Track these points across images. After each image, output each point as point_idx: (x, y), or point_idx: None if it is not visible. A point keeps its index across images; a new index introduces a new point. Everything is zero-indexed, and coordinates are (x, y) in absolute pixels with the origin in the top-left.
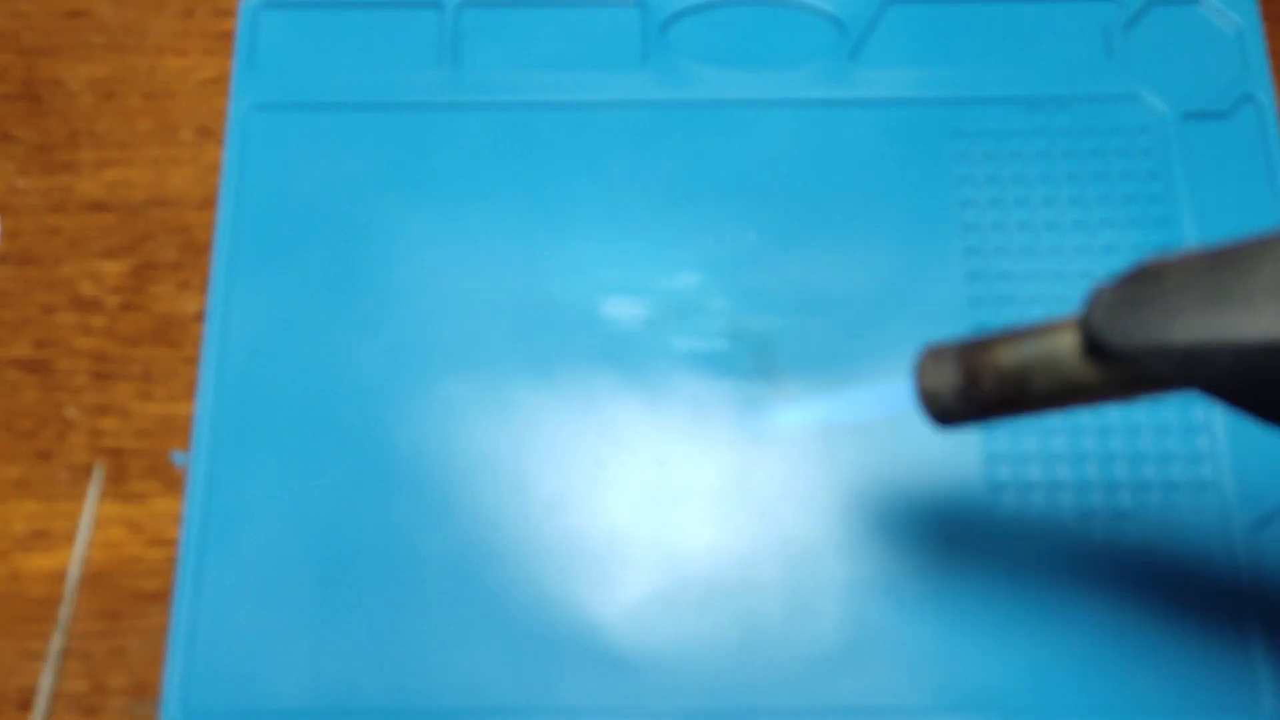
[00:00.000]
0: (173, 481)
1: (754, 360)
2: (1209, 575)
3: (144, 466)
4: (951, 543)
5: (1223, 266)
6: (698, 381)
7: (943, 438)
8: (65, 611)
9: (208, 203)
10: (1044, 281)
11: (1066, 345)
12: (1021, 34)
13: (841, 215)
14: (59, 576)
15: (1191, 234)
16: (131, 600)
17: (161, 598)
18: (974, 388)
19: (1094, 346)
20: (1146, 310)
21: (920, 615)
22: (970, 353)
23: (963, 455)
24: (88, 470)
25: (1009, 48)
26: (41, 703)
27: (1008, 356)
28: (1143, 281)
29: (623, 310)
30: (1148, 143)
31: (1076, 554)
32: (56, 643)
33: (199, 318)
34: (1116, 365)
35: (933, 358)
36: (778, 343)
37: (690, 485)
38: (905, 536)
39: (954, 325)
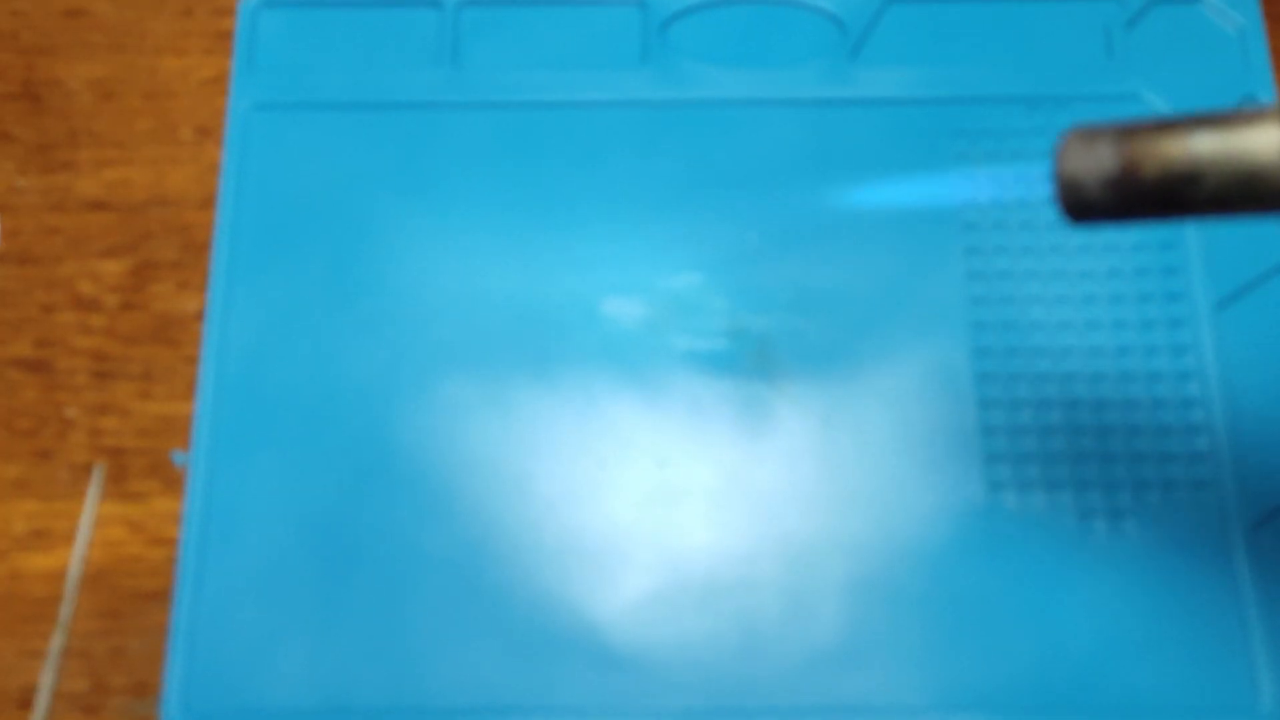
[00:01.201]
0: (173, 481)
1: (754, 360)
2: (1208, 574)
3: (144, 466)
4: (951, 542)
5: None
6: (697, 381)
7: (942, 436)
8: (65, 611)
9: (207, 202)
10: (1045, 281)
11: (1265, 142)
12: (1022, 33)
13: (842, 215)
14: (59, 576)
15: (1192, 232)
16: (132, 599)
17: (162, 597)
18: (1131, 180)
19: None
20: None
21: (920, 614)
22: (1133, 137)
23: (963, 454)
24: (88, 470)
25: (1010, 47)
26: (42, 702)
27: (1180, 146)
28: None
29: (622, 310)
30: None
31: (1076, 553)
32: (57, 642)
33: (199, 317)
34: None
35: (1082, 139)
36: (778, 342)
37: (690, 484)
38: (906, 535)
39: (954, 325)
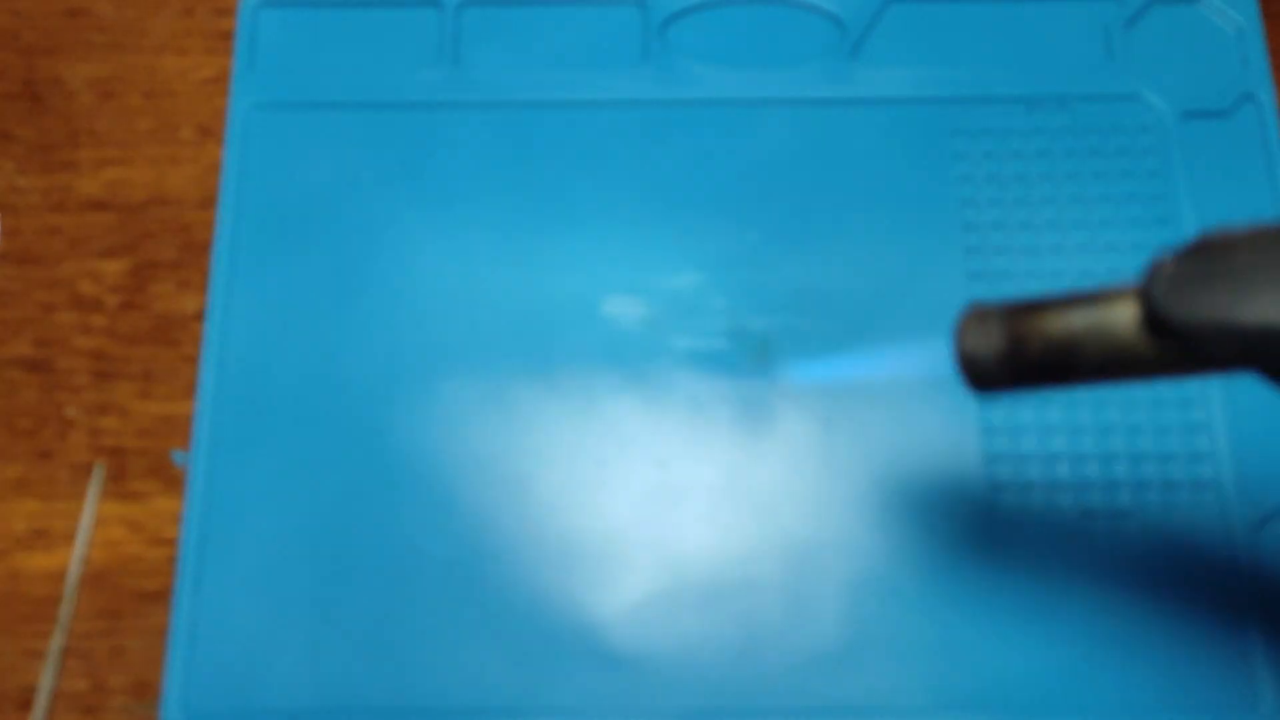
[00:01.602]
0: (173, 481)
1: (754, 360)
2: (1209, 574)
3: (144, 466)
4: (952, 541)
5: None
6: (698, 381)
7: (942, 437)
8: (65, 611)
9: (208, 202)
10: (1045, 280)
11: (1123, 316)
12: (1021, 33)
13: (842, 215)
14: (59, 576)
15: (1192, 232)
16: (132, 600)
17: (162, 597)
18: (1018, 354)
19: (1155, 320)
20: (1215, 286)
21: (921, 614)
22: (1017, 316)
23: (963, 454)
24: (88, 469)
25: (1009, 46)
26: (42, 702)
27: (1058, 323)
28: (1210, 255)
29: (622, 309)
30: (1148, 142)
31: (1076, 553)
32: (57, 642)
33: (199, 317)
34: (1176, 341)
35: (976, 319)
36: (778, 342)
37: (690, 485)
38: (906, 535)
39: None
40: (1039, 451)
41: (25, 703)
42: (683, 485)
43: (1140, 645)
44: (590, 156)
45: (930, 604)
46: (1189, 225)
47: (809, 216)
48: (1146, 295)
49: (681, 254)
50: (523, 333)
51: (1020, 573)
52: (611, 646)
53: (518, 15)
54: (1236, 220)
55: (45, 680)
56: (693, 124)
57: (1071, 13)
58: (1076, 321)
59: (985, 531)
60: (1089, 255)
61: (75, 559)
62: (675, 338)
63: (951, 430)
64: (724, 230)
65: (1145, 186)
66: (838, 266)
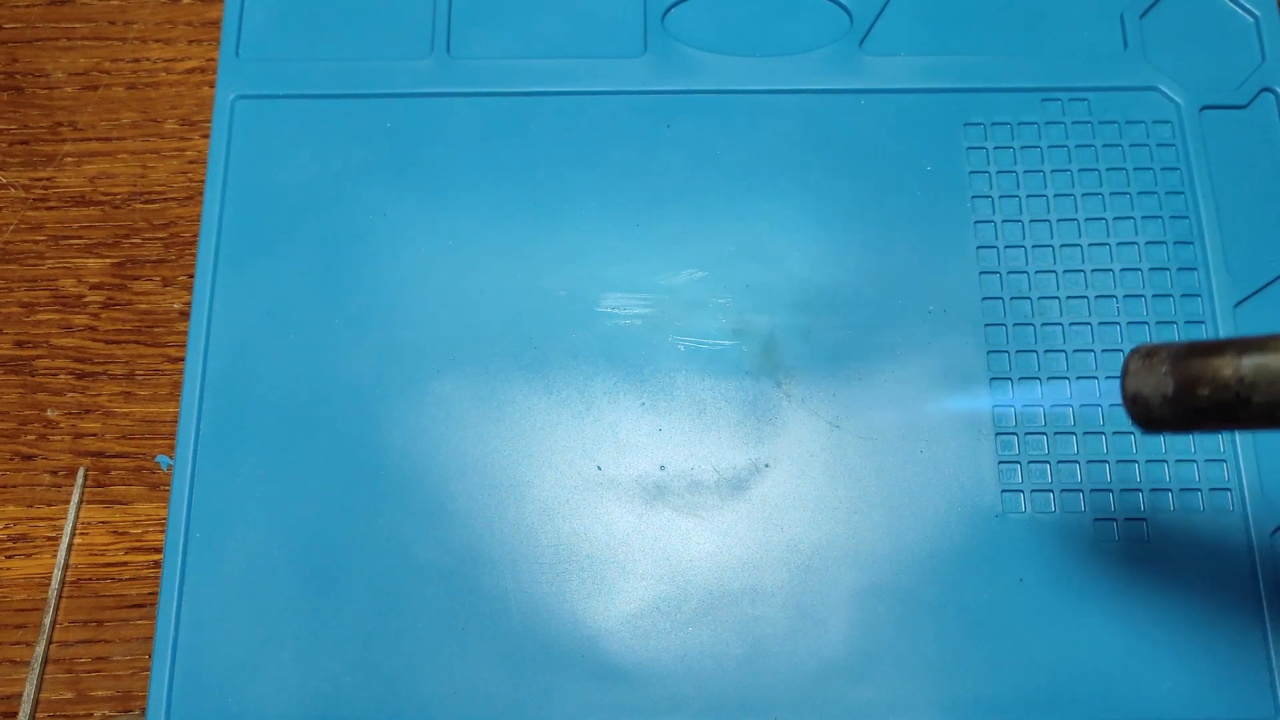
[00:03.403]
0: (157, 485)
1: (759, 360)
2: (1225, 581)
3: (127, 470)
4: (964, 548)
5: None
6: (700, 382)
7: (954, 440)
8: (48, 619)
9: (193, 197)
10: (1059, 278)
11: None
12: (1035, 22)
13: (849, 209)
14: (41, 583)
15: (1210, 228)
16: (115, 607)
17: (146, 605)
18: (1187, 396)
19: None
20: None
21: (931, 624)
22: (1186, 359)
23: (975, 460)
24: (70, 473)
25: (1022, 36)
26: (25, 712)
27: (1228, 367)
28: None
29: (622, 307)
30: (1165, 135)
31: (1091, 560)
32: (39, 651)
33: (184, 315)
34: None
35: (1143, 360)
36: (783, 341)
37: (692, 489)
38: (915, 542)
39: (966, 324)
40: (1053, 457)
41: (9, 712)
42: (684, 489)
43: (1156, 654)
44: (587, 149)
45: (942, 613)
46: (1206, 220)
47: (815, 211)
48: None
49: (682, 249)
50: (518, 331)
51: (1033, 581)
52: (610, 657)
53: (511, 1)
54: (1254, 215)
55: (28, 690)
56: (694, 115)
57: (1087, 1)
58: (1248, 366)
59: (997, 538)
60: (1104, 252)
61: (58, 565)
62: (677, 337)
63: (964, 433)
64: (726, 225)
65: (1162, 180)
66: (845, 262)
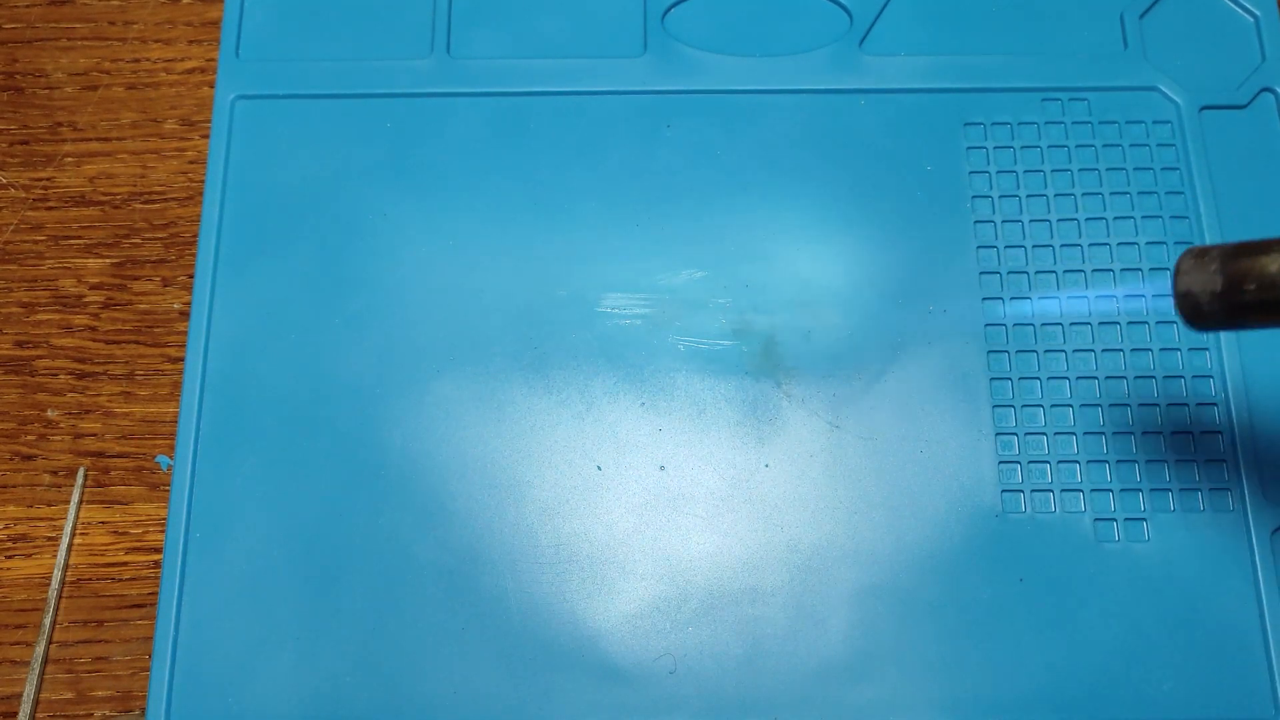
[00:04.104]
0: (157, 485)
1: (759, 360)
2: (1227, 581)
3: (127, 470)
4: (964, 548)
5: None
6: (700, 382)
7: (954, 440)
8: (48, 619)
9: (193, 197)
10: (1059, 278)
11: None
12: (1035, 22)
13: (849, 209)
14: (41, 582)
15: (1210, 228)
16: (115, 608)
17: (146, 605)
18: (1234, 292)
19: None
20: None
21: (932, 624)
22: (1234, 257)
23: (975, 460)
24: (70, 473)
25: (1022, 36)
26: (25, 712)
27: (1274, 264)
28: None
29: (622, 307)
30: (1165, 135)
31: (1091, 559)
32: (39, 651)
33: (184, 315)
34: None
35: (1195, 259)
36: (783, 342)
37: (692, 490)
38: (915, 542)
39: (966, 324)
40: (1053, 456)
41: (9, 713)
42: (684, 490)
43: (1156, 654)
44: (587, 149)
45: (942, 613)
46: (1207, 220)
47: (816, 211)
48: None
49: (682, 249)
50: (518, 331)
51: (1033, 581)
52: (610, 657)
53: (511, 1)
54: (1255, 214)
55: (28, 690)
56: (694, 115)
57: (1087, 1)
58: None
59: (997, 538)
60: (1104, 252)
61: (58, 565)
62: (676, 336)
63: (964, 433)
64: (726, 225)
65: (1162, 181)
66: (845, 262)
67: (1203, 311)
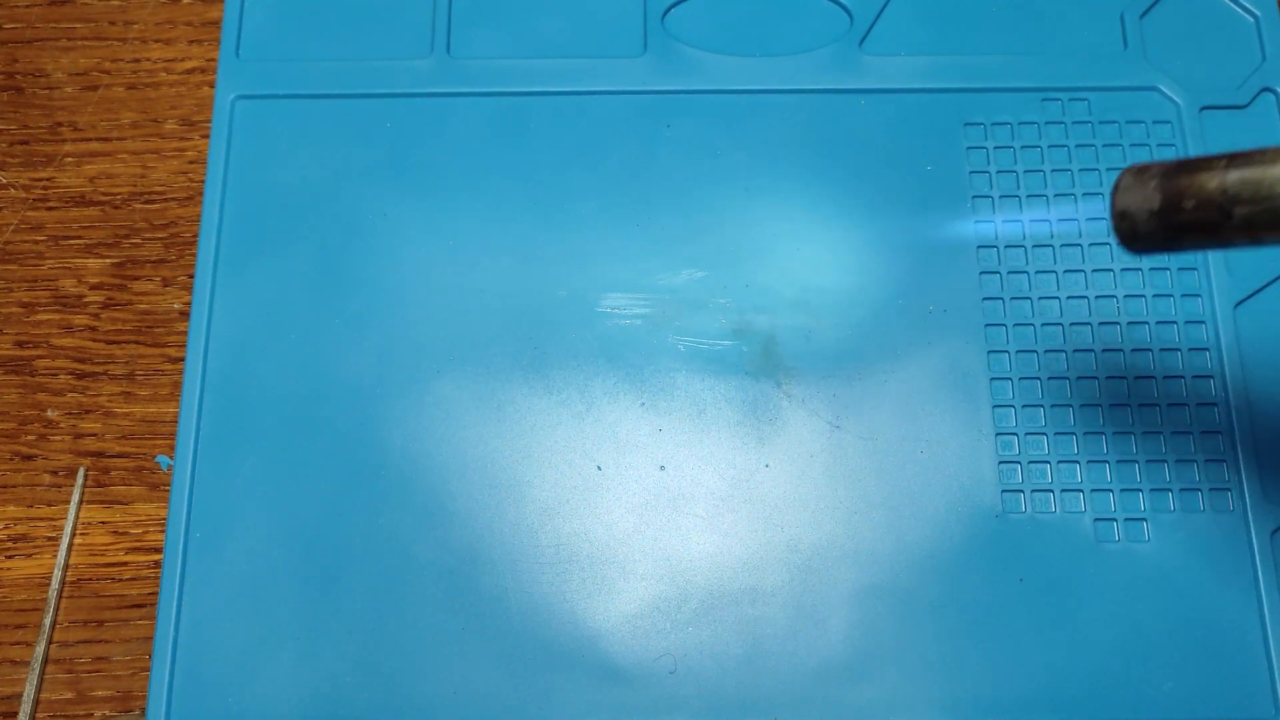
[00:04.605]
0: (157, 485)
1: (759, 360)
2: (1227, 581)
3: (127, 470)
4: (964, 549)
5: None
6: (700, 382)
7: (954, 439)
8: (48, 619)
9: (193, 197)
10: (1059, 278)
11: (1276, 173)
12: (1035, 22)
13: (849, 209)
14: (41, 582)
15: None
16: (115, 608)
17: (146, 605)
18: (1172, 211)
19: None
20: None
21: (932, 624)
22: (1174, 174)
23: (975, 460)
24: (70, 473)
25: (1022, 36)
26: (25, 712)
27: (1213, 180)
28: None
29: (622, 307)
30: (1165, 135)
31: (1091, 560)
32: (39, 651)
33: (184, 315)
34: None
35: (1134, 176)
36: (784, 342)
37: (692, 490)
38: (916, 542)
39: (966, 324)
40: (1053, 456)
41: (9, 713)
42: (684, 490)
43: (1156, 654)
44: (587, 149)
45: (942, 613)
46: None
47: (816, 211)
48: None
49: (682, 249)
50: (518, 331)
51: (1033, 581)
52: (610, 657)
53: (511, 1)
54: None
55: (28, 690)
56: (694, 115)
57: (1087, 1)
58: (1232, 179)
59: (997, 538)
60: (1104, 252)
61: (58, 565)
62: (676, 336)
63: (964, 433)
64: (726, 225)
65: None
66: (845, 262)
67: (1139, 232)
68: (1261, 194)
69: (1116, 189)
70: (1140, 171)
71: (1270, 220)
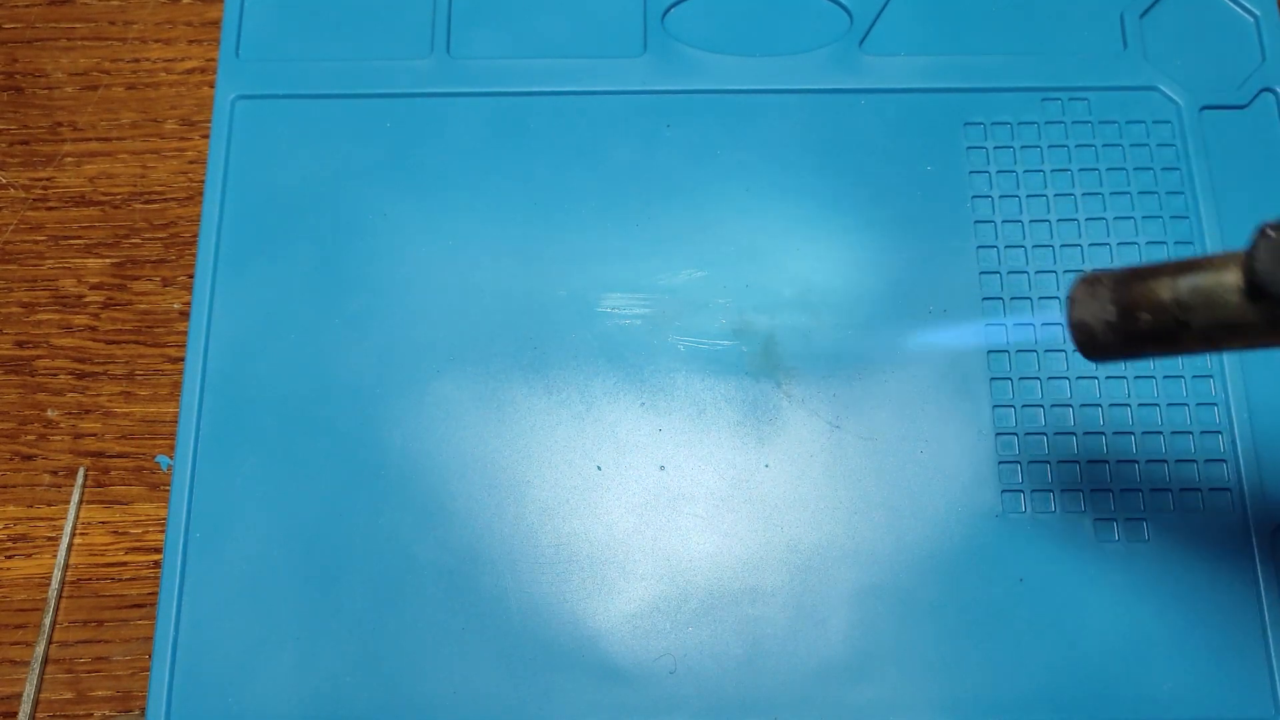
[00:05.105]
0: (157, 485)
1: (759, 360)
2: (1227, 581)
3: (127, 470)
4: (964, 549)
5: None
6: (700, 382)
7: (954, 441)
8: (48, 619)
9: (192, 196)
10: (1059, 278)
11: (1229, 282)
12: (1035, 22)
13: (849, 209)
14: (41, 582)
15: (1210, 228)
16: (115, 608)
17: (145, 605)
18: (1128, 322)
19: (1256, 289)
20: None
21: (932, 624)
22: (1126, 285)
23: (975, 460)
24: (70, 473)
25: (1022, 36)
26: (25, 712)
27: (1166, 291)
28: None
29: (622, 307)
30: (1165, 134)
31: (1092, 560)
32: (39, 651)
33: (184, 315)
34: (1277, 309)
35: (1086, 287)
36: (784, 342)
37: (692, 489)
38: (916, 542)
39: (966, 324)
40: (1053, 456)
41: (9, 713)
42: (684, 490)
43: (1156, 654)
44: (587, 149)
45: (943, 613)
46: (1206, 220)
47: (815, 210)
48: (1249, 264)
49: (682, 249)
50: (518, 331)
51: (1033, 581)
52: (610, 657)
53: (511, 1)
54: (1255, 215)
55: (28, 690)
56: (694, 115)
57: (1087, 1)
58: (1184, 289)
59: (997, 538)
60: (1104, 252)
61: (58, 565)
62: (676, 336)
63: (963, 434)
64: (726, 225)
65: (1162, 180)
66: (845, 262)
67: (1098, 343)
68: (1215, 303)
69: (1071, 301)
70: (1092, 282)
71: (1227, 332)
